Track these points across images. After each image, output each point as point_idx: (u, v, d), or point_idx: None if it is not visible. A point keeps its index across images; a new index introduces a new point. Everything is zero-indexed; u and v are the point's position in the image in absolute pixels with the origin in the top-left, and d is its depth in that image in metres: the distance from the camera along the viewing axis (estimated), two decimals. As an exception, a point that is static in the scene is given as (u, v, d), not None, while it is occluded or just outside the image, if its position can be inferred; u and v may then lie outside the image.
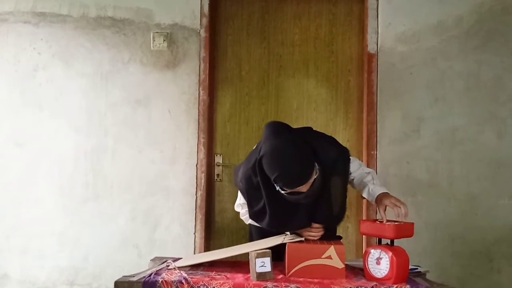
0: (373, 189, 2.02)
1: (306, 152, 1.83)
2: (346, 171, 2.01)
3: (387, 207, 1.93)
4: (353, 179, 2.12)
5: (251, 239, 2.26)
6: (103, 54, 3.02)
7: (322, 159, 1.88)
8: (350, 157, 2.05)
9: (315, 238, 1.94)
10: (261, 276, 1.75)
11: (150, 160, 2.97)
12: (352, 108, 3.05)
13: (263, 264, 1.76)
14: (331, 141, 2.09)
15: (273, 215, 1.94)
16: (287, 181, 1.79)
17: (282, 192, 1.84)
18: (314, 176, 1.82)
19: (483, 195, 2.85)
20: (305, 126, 2.21)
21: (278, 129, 1.93)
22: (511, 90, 2.88)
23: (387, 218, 1.90)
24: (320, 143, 1.98)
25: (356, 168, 2.10)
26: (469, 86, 2.89)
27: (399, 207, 1.89)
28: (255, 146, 2.08)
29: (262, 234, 2.11)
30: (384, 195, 1.98)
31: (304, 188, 1.81)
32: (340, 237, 2.14)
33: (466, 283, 2.81)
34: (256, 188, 1.95)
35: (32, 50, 3.04)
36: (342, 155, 2.02)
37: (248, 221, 2.16)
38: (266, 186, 1.90)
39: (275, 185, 1.84)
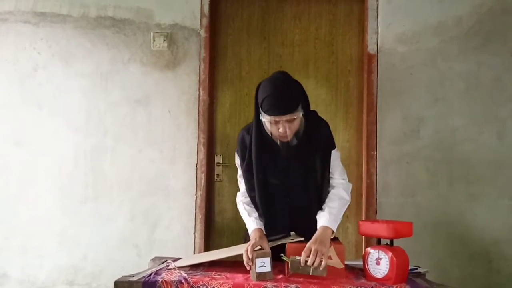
0: (320, 219, 1.95)
1: (300, 90, 1.96)
2: (328, 152, 2.06)
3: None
4: (330, 187, 2.11)
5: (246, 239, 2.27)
6: (103, 54, 3.02)
7: (310, 127, 1.99)
8: (335, 150, 2.10)
9: (313, 264, 1.80)
10: (261, 276, 1.75)
11: (150, 160, 2.97)
12: (352, 109, 3.05)
13: (263, 264, 1.76)
14: (326, 125, 2.16)
15: (257, 145, 2.00)
16: (272, 103, 1.87)
17: (264, 119, 1.92)
18: (298, 116, 1.90)
19: (482, 195, 2.85)
20: None
21: (283, 71, 2.05)
22: (511, 91, 2.88)
23: (384, 219, 1.91)
24: (315, 115, 2.09)
25: (338, 171, 2.09)
26: (469, 86, 2.89)
27: (313, 257, 1.74)
28: None
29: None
30: (322, 232, 1.88)
31: (283, 126, 1.89)
32: (336, 238, 2.14)
33: (465, 283, 2.81)
34: (246, 147, 2.06)
35: (32, 50, 3.04)
36: (329, 138, 2.09)
37: (237, 203, 2.18)
38: (256, 119, 1.98)
39: (260, 115, 1.93)
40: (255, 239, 1.91)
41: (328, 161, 2.05)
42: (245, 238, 2.25)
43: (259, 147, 2.01)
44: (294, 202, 2.04)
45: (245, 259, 1.82)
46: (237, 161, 2.16)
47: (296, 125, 1.93)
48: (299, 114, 1.91)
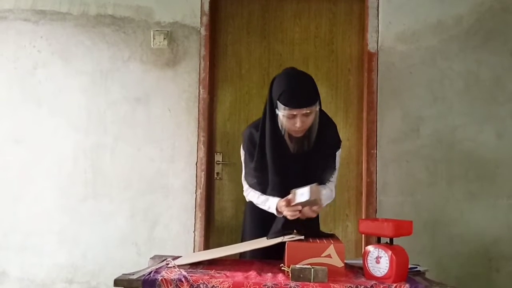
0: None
1: (314, 84, 2.00)
2: (335, 147, 2.11)
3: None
4: None
5: (243, 236, 2.27)
6: (103, 52, 3.01)
7: (320, 124, 2.01)
8: (340, 148, 2.14)
9: (290, 217, 1.94)
10: (313, 195, 1.83)
11: (150, 158, 2.97)
12: (352, 107, 3.05)
13: (303, 194, 1.86)
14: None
15: (272, 150, 2.01)
16: (291, 97, 1.90)
17: (281, 114, 1.92)
18: (314, 110, 1.94)
19: (482, 194, 2.86)
20: None
21: (293, 67, 2.12)
22: (511, 90, 2.88)
23: (384, 217, 1.91)
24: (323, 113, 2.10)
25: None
26: (468, 85, 2.89)
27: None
28: None
29: (256, 234, 2.11)
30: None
31: (300, 121, 1.91)
32: (333, 235, 2.14)
33: (465, 282, 2.82)
34: (255, 144, 2.06)
35: (32, 48, 3.04)
36: (336, 136, 2.14)
37: (248, 196, 2.18)
38: (270, 114, 1.99)
39: (276, 110, 1.94)
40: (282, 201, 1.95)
41: (331, 161, 2.08)
42: (242, 239, 2.26)
43: (274, 145, 2.01)
44: None
45: (291, 213, 1.90)
46: (243, 157, 2.15)
47: (311, 119, 1.96)
48: (315, 108, 1.95)
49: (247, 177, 2.16)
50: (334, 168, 2.11)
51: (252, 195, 2.16)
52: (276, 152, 2.02)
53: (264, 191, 2.08)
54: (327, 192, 2.08)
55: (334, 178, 2.13)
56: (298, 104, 1.90)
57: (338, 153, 2.13)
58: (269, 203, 2.06)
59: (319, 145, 2.03)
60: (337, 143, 2.13)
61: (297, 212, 1.90)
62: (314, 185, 1.87)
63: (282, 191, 1.98)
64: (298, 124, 1.92)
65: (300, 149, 2.03)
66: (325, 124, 2.07)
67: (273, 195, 2.03)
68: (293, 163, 2.04)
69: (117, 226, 2.96)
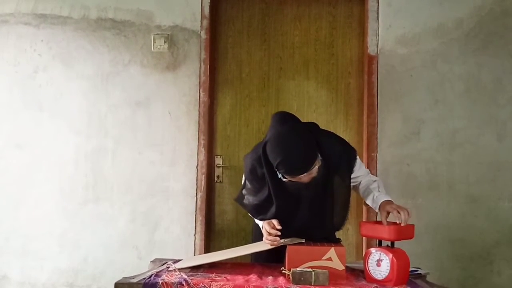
0: (378, 196, 2.00)
1: (310, 140, 1.84)
2: (349, 169, 2.02)
3: (389, 213, 1.89)
4: (358, 184, 2.12)
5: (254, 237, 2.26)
6: (104, 55, 3.02)
7: (326, 152, 1.91)
8: (357, 157, 2.06)
9: (264, 240, 1.93)
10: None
11: (150, 161, 2.97)
12: (352, 110, 3.05)
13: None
14: (338, 139, 2.11)
15: (278, 206, 1.95)
16: (288, 167, 1.80)
17: (284, 180, 1.85)
18: (316, 166, 1.83)
19: (483, 197, 2.85)
20: (311, 121, 2.19)
21: (285, 118, 1.94)
22: (511, 93, 2.88)
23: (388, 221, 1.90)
24: (326, 138, 2.01)
25: (363, 173, 2.11)
26: (469, 88, 2.89)
27: (400, 213, 1.84)
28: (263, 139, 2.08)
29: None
30: (388, 202, 1.96)
31: (305, 178, 1.83)
32: (339, 240, 2.14)
33: (466, 285, 2.81)
34: (259, 180, 1.98)
35: (33, 52, 3.04)
36: (347, 152, 2.04)
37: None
38: (271, 174, 1.91)
39: (277, 172, 1.85)
40: (267, 224, 1.92)
41: (348, 180, 2.03)
42: (253, 238, 2.25)
43: (279, 194, 1.95)
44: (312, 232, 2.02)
45: (270, 238, 1.87)
46: (244, 183, 2.09)
47: (316, 169, 1.86)
48: (318, 162, 1.84)
49: (245, 198, 2.08)
50: (367, 172, 2.13)
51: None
52: (282, 195, 1.96)
53: (256, 217, 2.07)
54: (378, 182, 2.07)
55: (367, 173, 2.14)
56: (299, 172, 1.80)
57: (358, 163, 2.06)
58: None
59: (328, 167, 1.94)
60: (349, 152, 2.04)
61: (275, 242, 1.87)
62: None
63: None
64: (305, 180, 1.85)
65: (310, 189, 1.94)
66: (327, 145, 1.96)
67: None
68: (301, 191, 1.96)
69: (118, 229, 2.96)
